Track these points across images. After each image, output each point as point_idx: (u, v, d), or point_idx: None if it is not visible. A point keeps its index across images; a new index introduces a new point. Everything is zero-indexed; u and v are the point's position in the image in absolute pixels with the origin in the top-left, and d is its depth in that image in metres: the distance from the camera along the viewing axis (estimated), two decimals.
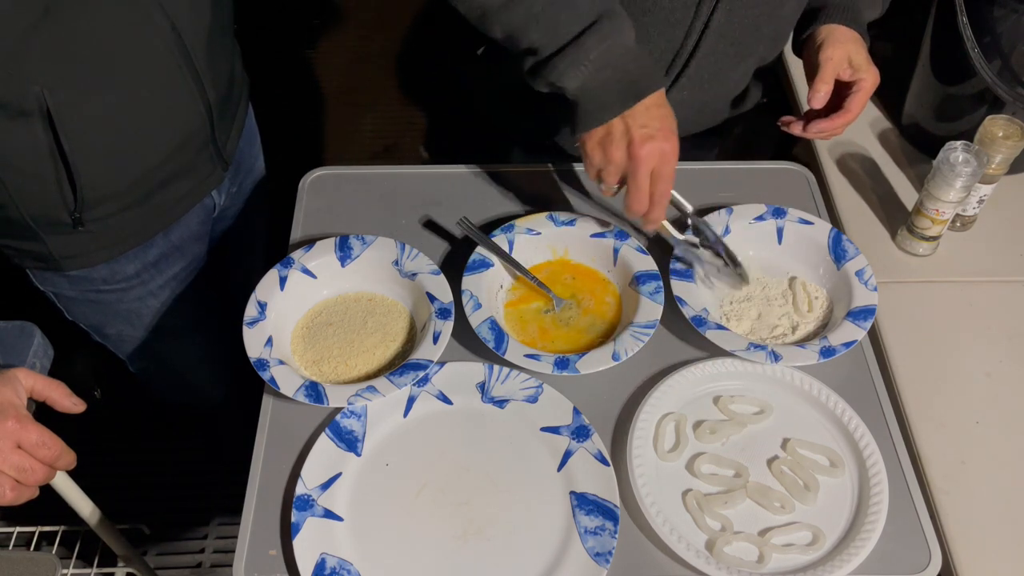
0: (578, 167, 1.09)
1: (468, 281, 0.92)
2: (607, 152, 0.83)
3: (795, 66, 1.34)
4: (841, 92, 0.96)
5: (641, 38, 0.89)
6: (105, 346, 1.21)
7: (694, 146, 1.24)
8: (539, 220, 0.98)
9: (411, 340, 0.91)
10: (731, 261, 0.94)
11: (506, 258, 0.95)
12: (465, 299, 0.90)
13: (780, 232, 0.99)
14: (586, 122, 0.83)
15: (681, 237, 0.94)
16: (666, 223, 0.91)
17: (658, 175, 0.83)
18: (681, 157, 1.02)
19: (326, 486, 0.80)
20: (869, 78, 0.94)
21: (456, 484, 0.82)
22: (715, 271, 0.94)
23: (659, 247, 1.01)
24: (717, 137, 1.25)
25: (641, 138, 0.81)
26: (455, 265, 0.95)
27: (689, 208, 0.95)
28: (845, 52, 0.95)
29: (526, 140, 1.15)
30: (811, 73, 0.97)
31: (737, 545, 0.78)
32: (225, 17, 1.01)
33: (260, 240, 1.34)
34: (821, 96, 0.95)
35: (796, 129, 0.98)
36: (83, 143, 0.88)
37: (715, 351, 0.89)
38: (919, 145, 1.21)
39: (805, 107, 1.28)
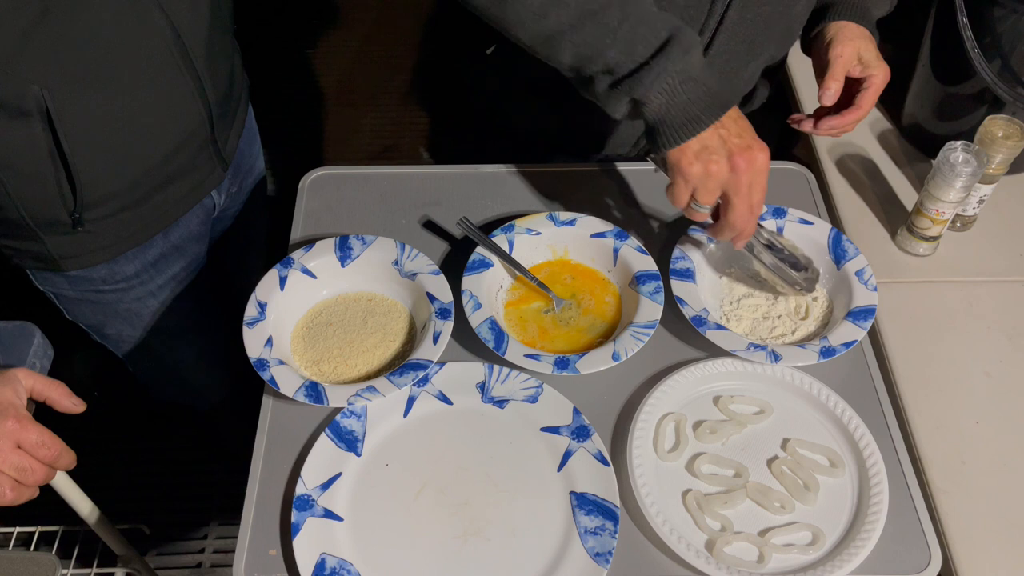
0: (580, 167, 1.09)
1: (468, 281, 0.92)
2: (707, 166, 0.79)
3: (796, 65, 1.34)
4: (851, 89, 0.96)
5: None
6: (105, 346, 1.21)
7: None
8: (539, 220, 0.98)
9: (411, 340, 0.91)
10: (804, 267, 0.92)
11: (506, 258, 0.95)
12: (465, 299, 0.90)
13: (780, 232, 0.99)
14: (677, 136, 0.79)
15: (765, 244, 0.91)
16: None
17: (755, 186, 0.80)
18: None
19: (326, 486, 0.80)
20: (879, 74, 0.94)
21: (456, 484, 0.82)
22: (784, 277, 0.92)
23: (659, 247, 1.01)
24: None
25: (740, 148, 0.78)
26: (455, 265, 0.95)
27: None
28: (855, 49, 0.94)
29: (534, 137, 1.15)
30: (820, 70, 0.97)
31: (737, 545, 0.78)
32: (225, 17, 1.01)
33: (260, 240, 1.34)
34: (831, 93, 0.94)
35: (807, 127, 0.98)
36: (83, 143, 0.88)
37: (715, 351, 0.89)
38: (919, 145, 1.21)
39: (806, 106, 1.28)
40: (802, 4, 0.98)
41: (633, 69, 0.78)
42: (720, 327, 0.89)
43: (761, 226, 0.92)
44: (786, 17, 0.98)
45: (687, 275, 0.94)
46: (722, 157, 0.78)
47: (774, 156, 1.18)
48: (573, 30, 0.79)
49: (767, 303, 0.95)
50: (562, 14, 0.78)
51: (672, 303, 0.92)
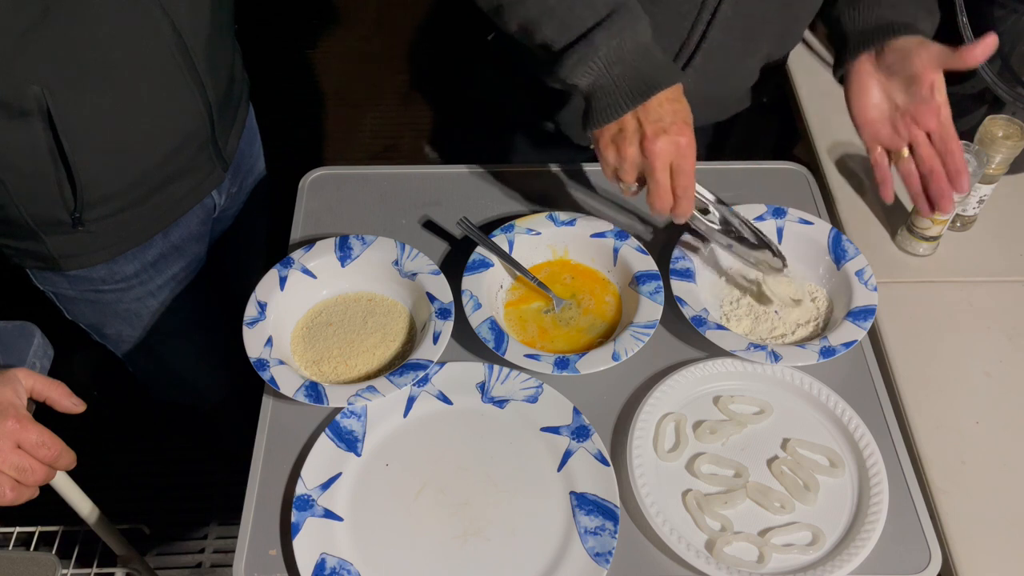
0: (585, 166, 1.09)
1: (468, 281, 0.92)
2: (620, 149, 0.81)
3: (796, 65, 1.34)
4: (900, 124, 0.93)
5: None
6: (105, 346, 1.21)
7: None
8: (539, 220, 0.98)
9: (411, 340, 0.91)
10: (765, 245, 0.91)
11: (506, 258, 0.95)
12: (465, 299, 0.90)
13: (780, 232, 0.99)
14: (597, 119, 0.81)
15: (716, 227, 0.90)
16: (697, 213, 0.88)
17: (677, 169, 0.81)
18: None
19: (326, 486, 0.80)
20: (948, 118, 0.91)
21: (456, 484, 0.82)
22: (751, 258, 0.92)
23: (659, 247, 1.01)
24: (706, 134, 1.26)
25: (654, 133, 0.79)
26: (455, 265, 0.95)
27: (712, 198, 0.90)
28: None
29: (534, 130, 1.15)
30: (908, 83, 0.91)
31: (737, 545, 0.78)
32: (225, 17, 1.01)
33: (260, 240, 1.34)
34: (983, 47, 0.85)
35: (928, 212, 0.95)
36: (83, 143, 0.88)
37: (715, 351, 0.89)
38: None
39: (806, 105, 1.28)
40: (802, 5, 0.97)
41: (563, 48, 0.80)
42: (720, 327, 0.89)
43: (715, 207, 0.90)
44: (783, 16, 0.97)
45: (687, 275, 0.94)
46: (634, 141, 0.80)
47: (774, 156, 1.18)
48: (519, 2, 0.81)
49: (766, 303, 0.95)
50: None
51: (672, 303, 0.92)
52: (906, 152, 0.92)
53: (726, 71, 1.02)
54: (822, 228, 0.99)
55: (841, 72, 0.95)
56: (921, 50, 0.88)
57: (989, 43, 0.84)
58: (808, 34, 1.37)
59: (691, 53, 0.98)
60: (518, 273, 0.95)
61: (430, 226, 1.03)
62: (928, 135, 0.91)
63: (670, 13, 0.93)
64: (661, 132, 0.79)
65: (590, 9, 0.79)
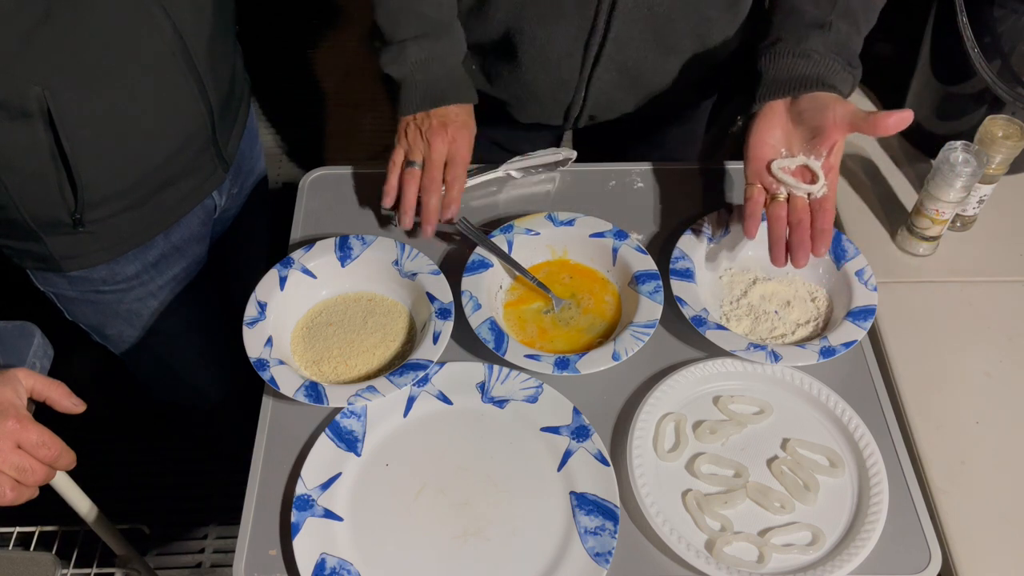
0: (585, 166, 1.09)
1: (468, 282, 0.92)
2: (409, 135, 0.98)
3: None
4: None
5: (557, 14, 0.97)
6: (105, 346, 1.21)
7: (672, 140, 1.24)
8: (538, 220, 0.98)
9: (411, 340, 0.91)
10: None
11: (505, 258, 0.95)
12: (465, 299, 0.90)
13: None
14: (401, 109, 0.98)
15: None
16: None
17: (451, 159, 0.97)
18: (665, 153, 1.00)
19: (326, 486, 0.80)
20: (836, 176, 0.90)
21: (456, 484, 0.82)
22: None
23: (659, 247, 1.01)
24: (695, 134, 1.27)
25: (437, 126, 0.96)
26: (455, 265, 0.95)
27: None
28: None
29: (531, 128, 1.15)
30: (808, 137, 0.90)
31: (737, 545, 0.78)
32: (227, 18, 1.01)
33: (260, 240, 1.34)
34: (894, 120, 0.83)
35: (782, 263, 0.89)
36: (84, 144, 0.88)
37: (715, 351, 0.89)
38: (919, 145, 1.21)
39: None
40: (717, 9, 0.97)
41: (388, 42, 0.96)
42: (720, 327, 0.89)
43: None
44: (691, 14, 0.97)
45: (687, 275, 0.94)
46: (423, 130, 0.98)
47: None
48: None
49: (775, 288, 0.95)
50: None
51: (672, 303, 0.92)
52: (782, 196, 0.89)
53: (648, 66, 1.03)
54: None
55: (755, 108, 0.93)
56: (836, 107, 0.87)
57: (904, 116, 0.82)
58: None
59: (600, 43, 0.99)
60: (517, 273, 0.95)
61: None
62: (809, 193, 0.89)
63: (572, 2, 0.96)
64: (442, 126, 0.96)
65: (416, 22, 0.95)
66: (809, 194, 0.88)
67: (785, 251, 0.88)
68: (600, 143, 1.23)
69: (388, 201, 0.99)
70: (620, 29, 0.97)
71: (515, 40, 1.01)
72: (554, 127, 1.17)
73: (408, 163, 0.98)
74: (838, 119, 0.86)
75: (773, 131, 0.91)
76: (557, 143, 1.25)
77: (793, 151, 0.91)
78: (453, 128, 0.97)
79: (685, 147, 1.28)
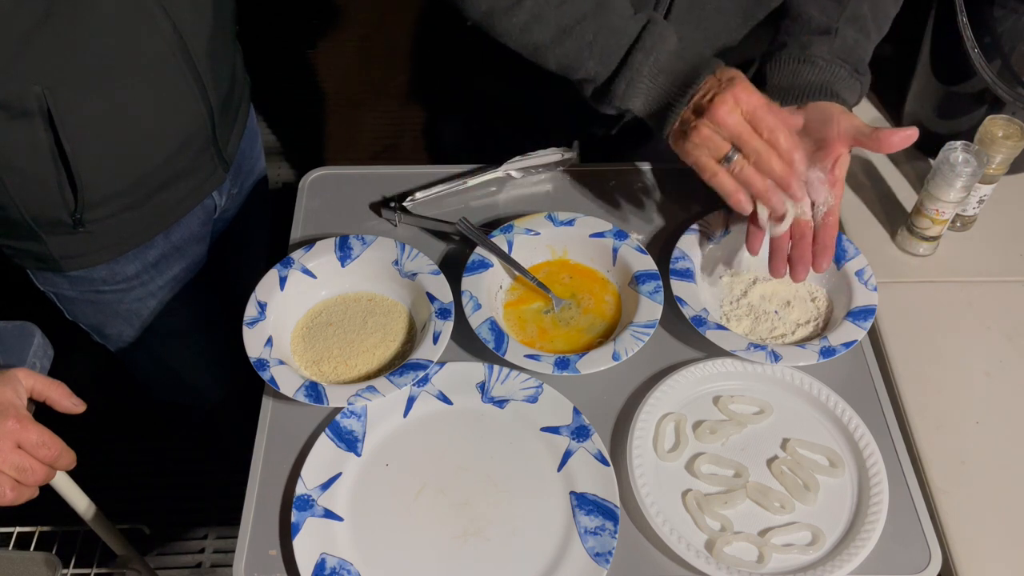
0: (585, 167, 1.09)
1: (468, 282, 0.92)
2: (691, 137, 0.82)
3: None
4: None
5: None
6: (105, 346, 1.21)
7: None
8: (538, 220, 0.98)
9: (411, 340, 0.91)
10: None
11: (505, 258, 0.95)
12: (465, 300, 0.90)
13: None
14: (661, 126, 0.84)
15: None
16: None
17: (760, 122, 0.79)
18: (668, 151, 0.98)
19: (326, 486, 0.80)
20: (841, 189, 0.87)
21: (456, 484, 0.82)
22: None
23: (659, 247, 1.01)
24: None
25: (708, 102, 0.80)
26: (455, 265, 0.95)
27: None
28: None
29: (531, 129, 1.15)
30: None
31: (737, 545, 0.78)
32: (227, 18, 1.01)
33: (260, 240, 1.34)
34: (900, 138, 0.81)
35: (781, 274, 0.89)
36: (84, 144, 0.88)
37: (715, 351, 0.89)
38: (919, 145, 1.20)
39: None
40: (764, 6, 0.96)
41: (608, 78, 0.85)
42: (720, 327, 0.89)
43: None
44: (742, 12, 0.96)
45: (687, 275, 0.94)
46: (700, 122, 0.81)
47: None
48: (555, 44, 0.85)
49: (774, 288, 0.95)
50: (544, 30, 0.84)
51: (672, 303, 0.92)
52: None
53: (709, 20, 1.00)
54: None
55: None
56: (841, 120, 0.84)
57: (910, 134, 0.81)
58: None
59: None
60: (517, 273, 0.95)
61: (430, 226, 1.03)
62: (813, 204, 0.87)
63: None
64: (715, 95, 0.80)
65: (623, 35, 0.83)
66: (814, 204, 0.88)
67: (785, 263, 0.88)
68: (607, 146, 1.22)
69: (748, 206, 0.85)
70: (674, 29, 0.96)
71: None
72: (584, 132, 1.15)
73: (724, 160, 0.82)
74: (842, 132, 0.84)
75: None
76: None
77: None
78: (726, 87, 0.80)
79: None
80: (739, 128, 0.80)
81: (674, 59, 0.83)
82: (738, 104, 0.80)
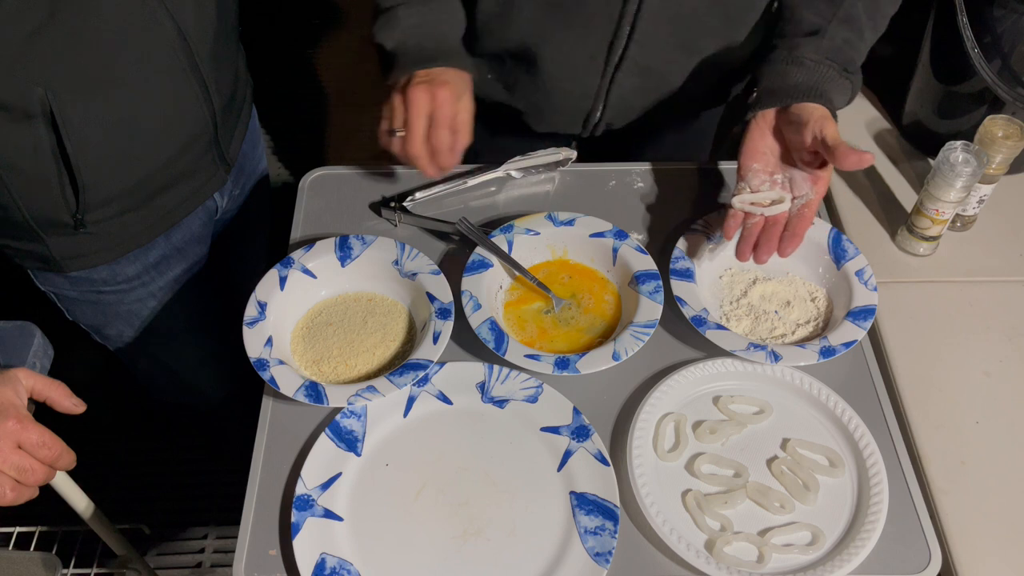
0: (585, 166, 1.09)
1: (468, 282, 0.92)
2: (392, 102, 0.92)
3: None
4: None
5: (583, 17, 0.96)
6: (105, 346, 1.21)
7: (684, 144, 1.24)
8: (538, 220, 0.99)
9: (411, 340, 0.91)
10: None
11: (505, 258, 0.95)
12: (465, 300, 0.90)
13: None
14: (388, 77, 0.94)
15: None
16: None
17: (434, 120, 0.90)
18: (670, 153, 1.00)
19: (326, 486, 0.80)
20: (824, 186, 0.88)
21: (456, 484, 0.82)
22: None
23: (659, 247, 1.01)
24: (706, 137, 1.26)
25: (416, 83, 0.90)
26: (455, 265, 0.95)
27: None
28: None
29: (529, 128, 1.15)
30: (792, 150, 0.89)
31: (737, 545, 0.78)
32: (230, 20, 1.01)
33: (261, 241, 1.34)
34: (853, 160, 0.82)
35: (746, 258, 0.91)
36: (86, 145, 0.88)
37: (715, 351, 0.89)
38: (919, 145, 1.21)
39: None
40: (741, 5, 0.96)
41: (382, 10, 0.95)
42: (720, 327, 0.89)
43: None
44: (721, 15, 0.97)
45: (687, 275, 0.94)
46: (401, 92, 0.91)
47: None
48: None
49: (776, 288, 0.95)
50: None
51: (672, 303, 0.92)
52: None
53: (670, 67, 1.02)
54: (822, 228, 0.98)
55: (748, 116, 0.92)
56: (815, 126, 0.85)
57: (864, 158, 0.81)
58: None
59: (624, 45, 0.98)
60: (517, 273, 0.95)
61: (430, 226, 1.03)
62: (794, 197, 0.90)
63: (599, 3, 0.95)
64: (422, 84, 0.89)
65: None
66: (794, 199, 0.89)
67: (751, 247, 0.90)
68: (606, 146, 1.23)
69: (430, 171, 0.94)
70: (645, 30, 0.97)
71: (538, 46, 1.00)
72: (569, 136, 1.16)
73: (391, 132, 0.92)
74: (814, 138, 0.85)
75: (765, 139, 0.91)
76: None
77: (786, 160, 0.91)
78: (435, 85, 0.89)
79: (693, 151, 1.27)
80: (414, 121, 0.90)
81: (433, 38, 0.93)
82: (429, 101, 0.89)
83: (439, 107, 0.89)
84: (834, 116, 0.87)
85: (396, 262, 0.94)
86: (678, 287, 0.92)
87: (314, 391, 0.83)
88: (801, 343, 0.90)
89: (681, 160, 1.12)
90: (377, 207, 1.04)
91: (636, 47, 0.99)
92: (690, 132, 1.24)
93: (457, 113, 0.91)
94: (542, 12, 0.97)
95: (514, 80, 1.05)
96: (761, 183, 0.90)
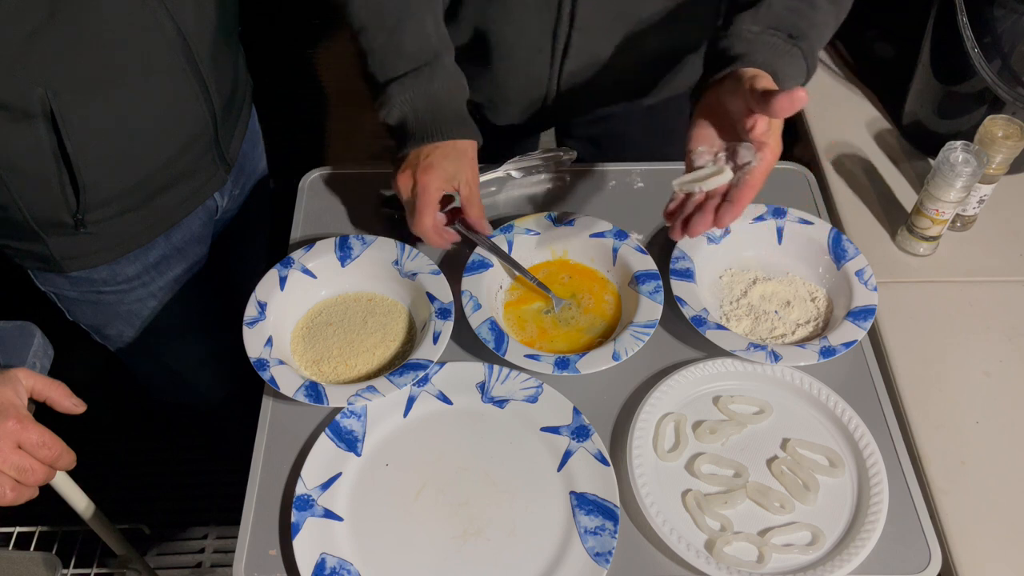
0: (585, 167, 1.09)
1: (468, 282, 0.92)
2: (397, 178, 0.91)
3: None
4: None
5: (522, 7, 0.96)
6: (105, 346, 1.21)
7: (662, 143, 1.22)
8: (538, 220, 0.98)
9: (411, 340, 0.91)
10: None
11: (505, 258, 0.95)
12: (465, 300, 0.90)
13: (780, 232, 0.99)
14: (399, 149, 0.92)
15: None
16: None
17: (417, 208, 0.90)
18: (646, 153, 1.00)
19: (326, 486, 0.80)
20: (769, 154, 0.77)
21: (456, 484, 0.82)
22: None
23: (659, 247, 1.01)
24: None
25: (424, 167, 0.89)
26: (455, 265, 0.95)
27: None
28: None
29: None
30: (735, 111, 0.79)
31: (737, 545, 0.78)
32: (230, 20, 1.01)
33: (261, 241, 1.34)
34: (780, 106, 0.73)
35: (677, 235, 0.83)
36: (86, 145, 0.88)
37: (715, 351, 0.89)
38: (919, 145, 1.21)
39: (806, 107, 1.27)
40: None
41: (378, 85, 0.92)
42: (720, 327, 0.89)
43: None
44: (659, 4, 0.96)
45: (687, 275, 0.94)
46: (407, 173, 0.91)
47: None
48: (360, 33, 0.92)
49: (777, 288, 0.95)
50: (352, 20, 0.92)
51: (672, 303, 0.92)
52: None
53: (616, 52, 1.01)
54: (822, 228, 0.99)
55: (692, 102, 0.86)
56: (749, 82, 0.76)
57: (795, 96, 0.71)
58: None
59: (567, 32, 0.98)
60: (517, 273, 0.95)
61: None
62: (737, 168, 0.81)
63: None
64: (429, 167, 0.89)
65: (399, 61, 0.90)
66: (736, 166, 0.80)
67: (683, 224, 0.82)
68: (590, 144, 1.22)
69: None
70: (586, 16, 0.96)
71: (485, 39, 1.01)
72: (532, 128, 1.16)
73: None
74: (749, 93, 0.76)
75: (707, 121, 0.82)
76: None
77: (730, 135, 0.81)
78: (421, 174, 0.89)
79: (670, 140, 1.24)
80: (406, 203, 0.92)
81: (430, 110, 0.91)
82: (416, 186, 0.90)
83: (421, 194, 0.89)
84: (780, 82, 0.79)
85: (396, 262, 0.94)
86: (678, 287, 0.92)
87: (314, 391, 0.83)
88: (801, 343, 0.90)
89: (661, 150, 1.12)
90: (377, 207, 1.04)
91: (579, 34, 0.99)
92: (660, 120, 1.21)
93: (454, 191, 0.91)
94: (485, 4, 0.98)
95: (469, 75, 1.04)
96: (705, 163, 0.82)
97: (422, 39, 0.91)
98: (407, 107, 0.91)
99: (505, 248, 0.96)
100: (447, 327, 0.87)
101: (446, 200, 0.95)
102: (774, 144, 0.77)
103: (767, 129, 0.76)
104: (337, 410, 0.85)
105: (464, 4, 0.99)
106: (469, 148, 0.92)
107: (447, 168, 0.90)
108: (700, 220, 0.79)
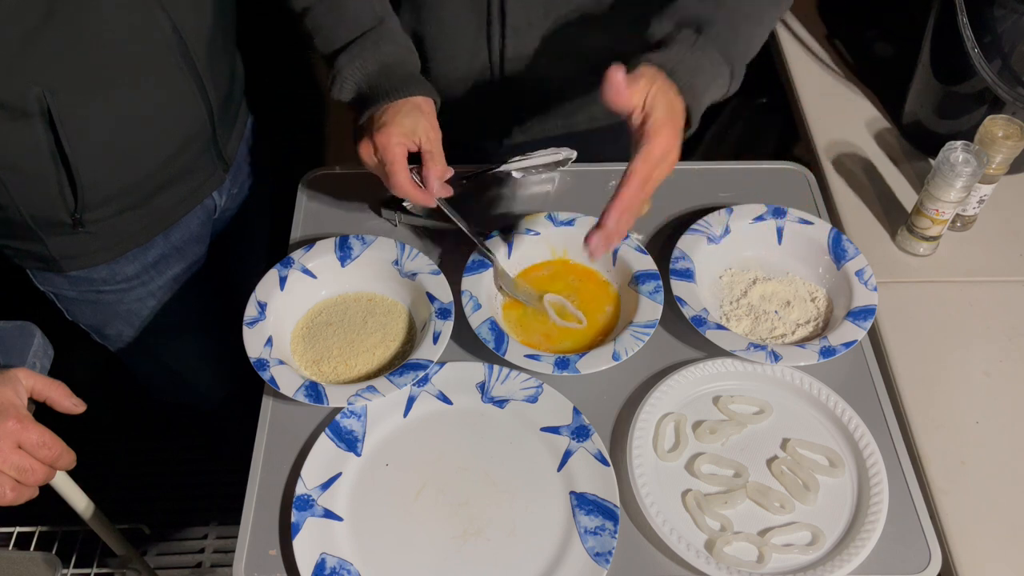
0: (584, 166, 1.09)
1: (468, 282, 0.92)
2: (359, 148, 0.90)
3: (796, 66, 1.34)
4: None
5: (452, 16, 0.97)
6: (105, 346, 1.21)
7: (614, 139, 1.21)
8: (538, 220, 0.99)
9: (411, 340, 0.91)
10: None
11: (502, 275, 0.95)
12: (465, 299, 0.90)
13: (780, 232, 0.99)
14: (357, 116, 0.90)
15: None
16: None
17: (388, 169, 0.87)
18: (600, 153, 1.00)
19: (326, 486, 0.80)
20: (657, 146, 0.76)
21: (456, 484, 0.82)
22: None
23: (659, 247, 1.01)
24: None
25: (379, 127, 0.87)
26: (455, 265, 0.95)
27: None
28: (655, 88, 0.77)
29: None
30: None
31: (737, 545, 0.78)
32: (227, 19, 1.01)
33: (260, 240, 1.34)
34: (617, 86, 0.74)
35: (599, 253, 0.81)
36: (84, 145, 0.88)
37: (715, 351, 0.89)
38: (919, 145, 1.21)
39: (806, 107, 1.28)
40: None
41: (326, 57, 0.92)
42: (720, 327, 0.89)
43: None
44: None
45: (687, 275, 0.94)
46: (367, 139, 0.89)
47: (774, 156, 1.18)
48: (302, 15, 0.92)
49: (778, 288, 0.95)
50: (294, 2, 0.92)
51: (672, 303, 0.92)
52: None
53: (552, 58, 1.01)
54: (822, 228, 0.99)
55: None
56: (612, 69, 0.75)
57: (615, 74, 0.74)
58: (806, 34, 1.38)
59: (500, 33, 0.98)
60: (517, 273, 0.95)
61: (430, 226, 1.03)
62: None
63: None
64: (364, 138, 0.88)
65: (343, 31, 0.90)
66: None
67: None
68: (606, 146, 1.22)
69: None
70: (516, 14, 0.96)
71: (423, 45, 1.00)
72: (494, 134, 1.14)
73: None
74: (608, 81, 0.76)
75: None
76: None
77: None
78: (378, 135, 0.87)
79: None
80: (372, 168, 0.90)
81: (380, 75, 0.89)
82: (380, 151, 0.87)
83: (384, 153, 0.87)
84: (676, 76, 0.80)
85: (396, 262, 0.94)
86: (678, 287, 0.92)
87: (314, 391, 0.83)
88: (801, 343, 0.90)
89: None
90: (377, 207, 1.04)
91: (513, 35, 0.98)
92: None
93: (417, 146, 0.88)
94: (418, 9, 0.98)
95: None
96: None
97: (364, 5, 0.91)
98: (358, 74, 0.89)
99: (505, 248, 0.96)
100: (447, 327, 0.87)
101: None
102: (651, 133, 0.76)
103: (641, 122, 0.77)
104: (337, 410, 0.85)
105: (401, 12, 0.98)
106: (424, 104, 0.89)
107: (404, 124, 0.87)
108: (592, 232, 0.79)
